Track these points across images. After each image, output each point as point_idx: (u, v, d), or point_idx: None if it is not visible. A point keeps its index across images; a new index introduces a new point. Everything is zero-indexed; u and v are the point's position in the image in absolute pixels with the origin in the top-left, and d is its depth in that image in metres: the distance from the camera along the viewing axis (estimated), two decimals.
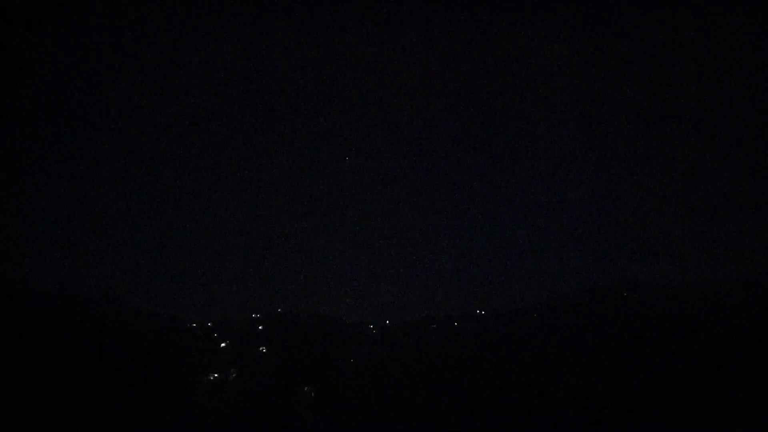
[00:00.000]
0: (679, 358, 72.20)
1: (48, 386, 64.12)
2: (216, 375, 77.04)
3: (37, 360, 66.31)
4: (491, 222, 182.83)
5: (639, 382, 70.06)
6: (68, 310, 79.46)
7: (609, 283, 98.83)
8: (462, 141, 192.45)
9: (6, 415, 58.57)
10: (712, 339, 73.86)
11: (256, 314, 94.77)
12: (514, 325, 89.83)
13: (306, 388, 76.31)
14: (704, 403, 64.34)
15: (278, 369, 79.32)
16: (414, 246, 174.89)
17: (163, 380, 71.53)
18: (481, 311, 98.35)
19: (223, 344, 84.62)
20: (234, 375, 77.80)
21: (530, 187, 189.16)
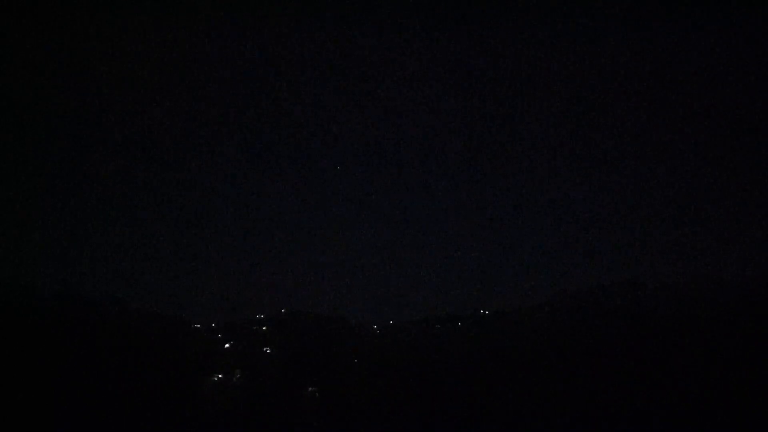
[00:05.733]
0: (680, 357, 72.19)
1: (53, 387, 64.35)
2: (220, 376, 77.13)
3: (42, 361, 66.57)
4: (494, 222, 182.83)
5: (641, 381, 70.07)
6: (73, 312, 79.67)
7: (611, 283, 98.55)
8: (465, 142, 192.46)
9: (11, 415, 58.82)
10: (713, 338, 73.83)
11: (260, 315, 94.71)
12: (518, 325, 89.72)
13: (310, 389, 76.40)
14: (705, 402, 64.37)
15: (282, 369, 79.38)
16: (417, 246, 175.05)
17: (167, 381, 71.67)
18: (484, 311, 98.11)
19: (227, 345, 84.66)
20: (238, 376, 77.86)
21: (533, 188, 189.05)
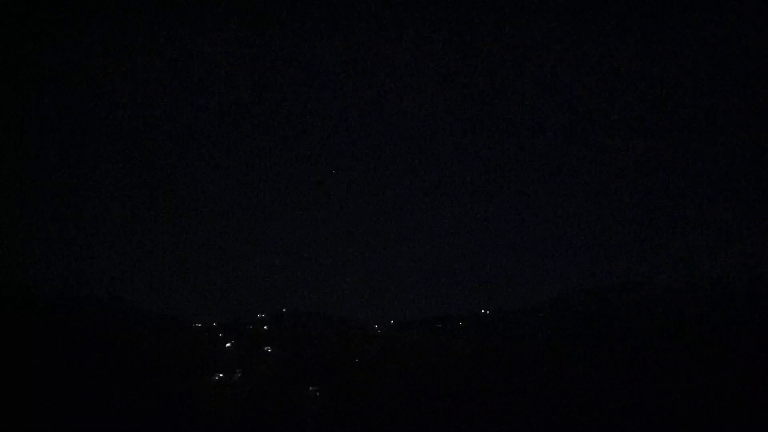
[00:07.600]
0: (681, 358, 72.28)
1: (53, 386, 64.25)
2: (221, 375, 77.18)
3: (41, 360, 66.55)
4: (496, 221, 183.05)
5: (642, 382, 70.12)
6: (73, 311, 79.80)
7: (613, 283, 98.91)
8: (465, 141, 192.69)
9: (10, 416, 58.70)
10: (714, 339, 73.97)
11: (261, 314, 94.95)
12: (519, 325, 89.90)
13: (311, 388, 76.39)
14: (706, 402, 64.38)
15: (283, 369, 79.50)
16: (418, 246, 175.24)
17: (167, 380, 71.63)
18: (486, 311, 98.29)
19: (227, 344, 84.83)
20: (239, 375, 77.95)
21: (534, 187, 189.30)
